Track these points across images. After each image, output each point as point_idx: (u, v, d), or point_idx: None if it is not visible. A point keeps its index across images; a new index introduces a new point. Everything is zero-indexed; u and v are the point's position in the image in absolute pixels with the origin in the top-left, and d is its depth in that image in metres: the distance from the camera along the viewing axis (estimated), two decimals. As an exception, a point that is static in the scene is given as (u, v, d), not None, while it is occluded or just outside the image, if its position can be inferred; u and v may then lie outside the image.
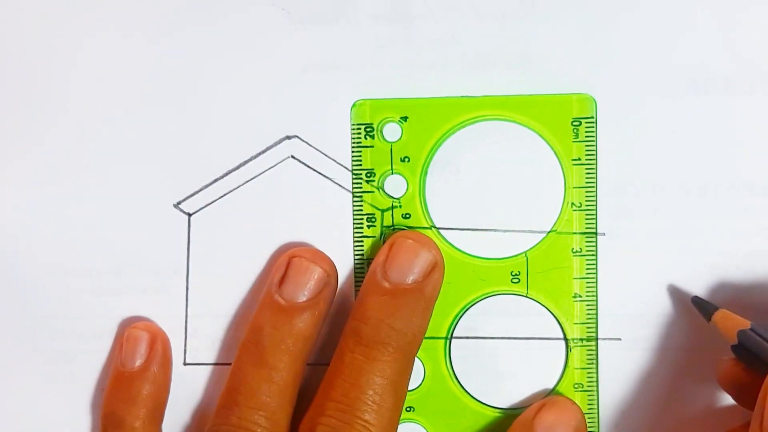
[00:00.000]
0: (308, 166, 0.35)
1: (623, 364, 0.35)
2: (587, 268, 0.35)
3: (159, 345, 0.34)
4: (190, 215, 0.36)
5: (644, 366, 0.35)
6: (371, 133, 0.35)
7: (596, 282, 0.35)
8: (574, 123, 0.34)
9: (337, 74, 0.35)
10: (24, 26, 0.36)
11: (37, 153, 0.36)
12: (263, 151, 0.35)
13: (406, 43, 0.35)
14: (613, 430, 0.35)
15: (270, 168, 0.35)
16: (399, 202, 0.35)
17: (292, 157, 0.35)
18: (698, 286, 0.35)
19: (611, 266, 0.35)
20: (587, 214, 0.35)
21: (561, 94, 0.35)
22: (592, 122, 0.34)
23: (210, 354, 0.36)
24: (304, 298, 0.33)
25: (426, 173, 0.35)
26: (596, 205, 0.35)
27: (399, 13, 0.35)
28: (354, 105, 0.35)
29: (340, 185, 0.35)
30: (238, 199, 0.35)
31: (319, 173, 0.35)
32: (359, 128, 0.35)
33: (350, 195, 0.35)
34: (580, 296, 0.35)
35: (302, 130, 0.35)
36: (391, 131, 0.35)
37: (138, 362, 0.34)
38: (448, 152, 0.35)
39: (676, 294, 0.35)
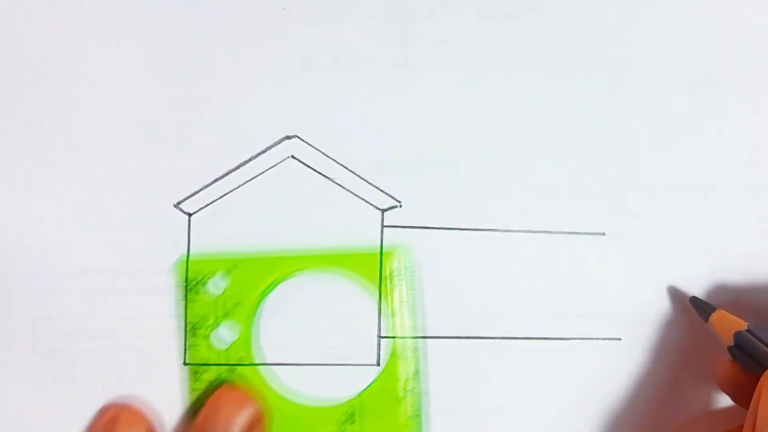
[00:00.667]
0: (308, 166, 0.35)
1: (623, 364, 0.35)
2: (413, 408, 0.35)
3: None
4: (190, 215, 0.36)
5: (644, 366, 0.35)
6: (195, 288, 0.35)
7: (420, 423, 0.35)
8: (390, 273, 0.35)
9: (337, 74, 0.35)
10: (25, 27, 0.35)
11: (37, 153, 0.36)
12: (263, 151, 0.35)
13: (405, 43, 0.35)
14: (612, 429, 0.35)
15: (270, 168, 0.35)
16: (226, 354, 0.35)
17: (292, 157, 0.35)
18: (698, 287, 0.35)
19: (611, 266, 0.35)
20: (411, 360, 0.35)
21: (376, 246, 0.35)
22: (408, 274, 0.35)
23: (210, 354, 0.36)
24: None
25: (251, 325, 0.35)
26: (417, 351, 0.35)
27: (399, 13, 0.35)
28: (178, 261, 0.35)
29: (340, 185, 0.35)
30: (238, 199, 0.35)
31: (319, 173, 0.35)
32: (184, 283, 0.35)
33: (351, 195, 0.35)
34: None
35: (302, 130, 0.35)
36: (215, 285, 0.35)
37: None
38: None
39: (675, 294, 0.35)
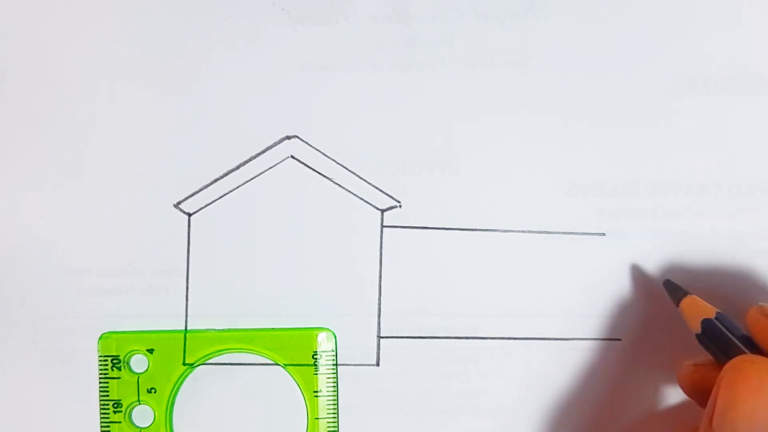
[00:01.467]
0: (308, 166, 0.35)
1: (623, 364, 0.35)
2: None
3: None
4: (190, 215, 0.36)
5: (644, 366, 0.35)
6: (118, 365, 0.35)
7: None
8: (315, 356, 0.35)
9: (337, 74, 0.35)
10: (25, 27, 0.36)
11: (37, 154, 0.36)
12: (263, 151, 0.35)
13: (405, 43, 0.35)
14: (612, 429, 0.35)
15: (270, 168, 0.35)
16: None
17: (292, 157, 0.35)
18: (698, 287, 0.35)
19: (611, 266, 0.35)
20: None
21: (303, 328, 0.35)
22: (333, 356, 0.35)
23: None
24: None
25: (173, 404, 0.35)
26: None
27: (399, 13, 0.35)
28: (101, 338, 0.35)
29: (339, 185, 0.35)
30: (238, 199, 0.35)
31: (319, 173, 0.35)
32: (106, 360, 0.35)
33: (350, 195, 0.35)
34: None
35: (302, 130, 0.35)
36: (138, 363, 0.35)
37: None
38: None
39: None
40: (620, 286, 0.35)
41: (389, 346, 0.35)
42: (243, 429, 0.35)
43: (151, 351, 0.35)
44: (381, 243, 0.35)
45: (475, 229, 0.35)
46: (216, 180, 0.35)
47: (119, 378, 0.35)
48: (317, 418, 0.35)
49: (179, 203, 0.36)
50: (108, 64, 0.35)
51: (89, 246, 0.36)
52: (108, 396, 0.35)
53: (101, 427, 0.35)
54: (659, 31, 0.35)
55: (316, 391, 0.35)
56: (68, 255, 0.36)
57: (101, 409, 0.35)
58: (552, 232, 0.35)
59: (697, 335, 0.31)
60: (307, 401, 0.35)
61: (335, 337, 0.35)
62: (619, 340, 0.35)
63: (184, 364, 0.35)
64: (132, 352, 0.35)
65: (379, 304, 0.35)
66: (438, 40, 0.35)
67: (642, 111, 0.35)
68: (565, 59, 0.35)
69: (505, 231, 0.35)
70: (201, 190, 0.35)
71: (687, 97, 0.35)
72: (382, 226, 0.35)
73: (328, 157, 0.35)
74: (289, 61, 0.35)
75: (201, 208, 0.36)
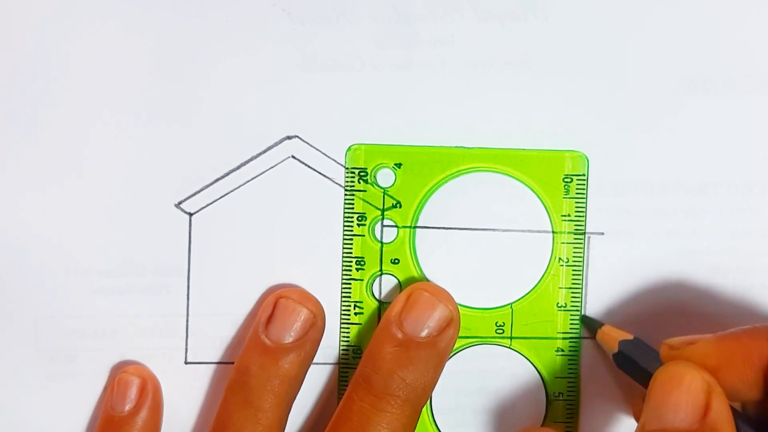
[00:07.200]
0: (308, 166, 0.35)
1: (623, 363, 0.35)
2: (571, 324, 0.35)
3: (149, 390, 0.35)
4: (191, 215, 0.36)
5: (644, 365, 0.35)
6: (365, 178, 0.35)
7: (579, 338, 0.35)
8: (566, 179, 0.35)
9: (337, 74, 0.35)
10: (23, 26, 0.36)
11: (37, 153, 0.36)
12: (264, 151, 0.35)
13: (406, 43, 0.35)
14: (613, 430, 0.35)
15: (270, 168, 0.35)
16: (388, 248, 0.35)
17: (292, 157, 0.35)
18: (698, 286, 0.35)
19: (611, 266, 0.35)
20: (574, 270, 0.35)
21: (554, 150, 0.35)
22: (584, 179, 0.35)
23: (211, 353, 0.36)
24: (291, 339, 0.33)
25: (417, 220, 0.35)
26: (583, 262, 0.35)
27: (399, 13, 0.35)
28: (349, 149, 0.35)
29: (340, 185, 0.35)
30: (238, 198, 0.36)
31: (320, 173, 0.35)
32: (353, 172, 0.35)
33: (350, 195, 0.35)
34: (563, 351, 0.35)
35: (302, 130, 0.35)
36: (385, 177, 0.35)
37: (127, 407, 0.34)
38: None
39: (674, 294, 0.35)
40: (620, 285, 0.35)
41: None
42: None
43: (398, 165, 0.35)
44: (381, 243, 0.35)
45: (476, 229, 0.35)
46: (217, 180, 0.35)
47: (365, 191, 0.35)
48: (563, 243, 0.35)
49: (180, 203, 0.36)
50: (108, 64, 0.35)
51: (90, 246, 0.36)
52: (353, 209, 0.35)
53: (344, 239, 0.35)
54: (659, 31, 0.35)
55: (565, 215, 0.35)
56: (69, 254, 0.36)
57: (345, 221, 0.35)
58: (551, 232, 0.35)
59: (614, 354, 0.33)
60: (553, 224, 0.35)
61: (588, 161, 0.35)
62: (619, 339, 0.35)
63: (428, 182, 0.35)
64: (379, 166, 0.35)
65: (380, 302, 0.35)
66: (438, 40, 0.35)
67: (642, 111, 0.35)
68: (565, 59, 0.35)
69: (505, 231, 0.35)
70: (202, 189, 0.36)
71: (687, 97, 0.35)
72: (383, 227, 0.35)
73: (328, 157, 0.35)
74: (289, 61, 0.35)
75: (202, 208, 0.36)
